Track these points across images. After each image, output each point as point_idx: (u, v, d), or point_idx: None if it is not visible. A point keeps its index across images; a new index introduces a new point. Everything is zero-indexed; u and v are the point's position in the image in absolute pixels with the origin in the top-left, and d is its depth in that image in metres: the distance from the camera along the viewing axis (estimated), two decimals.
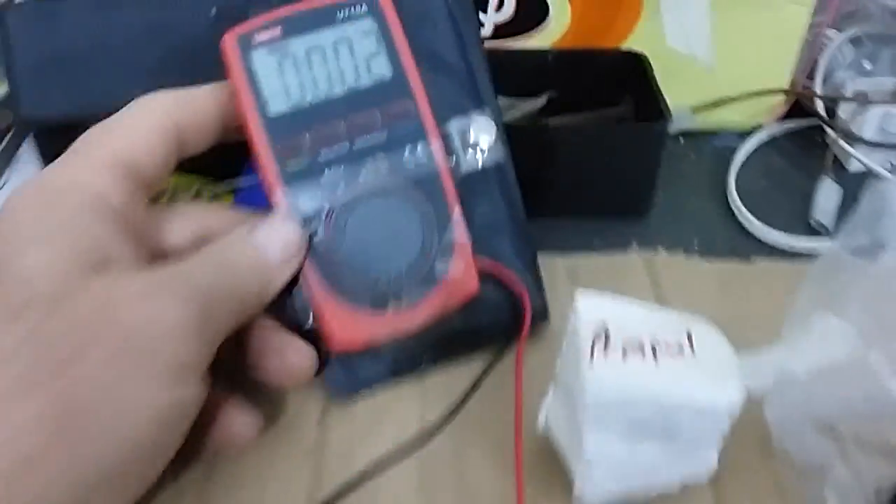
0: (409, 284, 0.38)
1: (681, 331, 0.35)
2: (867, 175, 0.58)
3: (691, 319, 0.37)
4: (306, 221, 0.37)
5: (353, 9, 0.38)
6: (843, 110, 0.60)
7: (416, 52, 0.39)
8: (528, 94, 0.58)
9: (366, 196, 0.37)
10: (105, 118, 0.35)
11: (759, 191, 0.58)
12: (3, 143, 0.57)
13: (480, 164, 0.41)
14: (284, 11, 0.38)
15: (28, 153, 0.57)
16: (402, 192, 0.38)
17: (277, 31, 0.37)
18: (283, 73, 0.37)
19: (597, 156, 0.52)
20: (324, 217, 0.37)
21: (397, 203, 0.38)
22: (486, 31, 0.60)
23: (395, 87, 0.38)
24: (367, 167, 0.38)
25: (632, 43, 0.60)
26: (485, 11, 0.59)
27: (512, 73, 0.52)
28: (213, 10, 0.40)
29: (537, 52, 0.59)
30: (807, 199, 0.57)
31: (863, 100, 0.59)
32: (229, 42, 0.37)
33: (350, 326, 0.38)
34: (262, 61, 0.37)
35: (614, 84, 0.59)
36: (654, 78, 0.54)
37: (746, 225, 0.55)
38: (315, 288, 0.37)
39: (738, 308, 0.47)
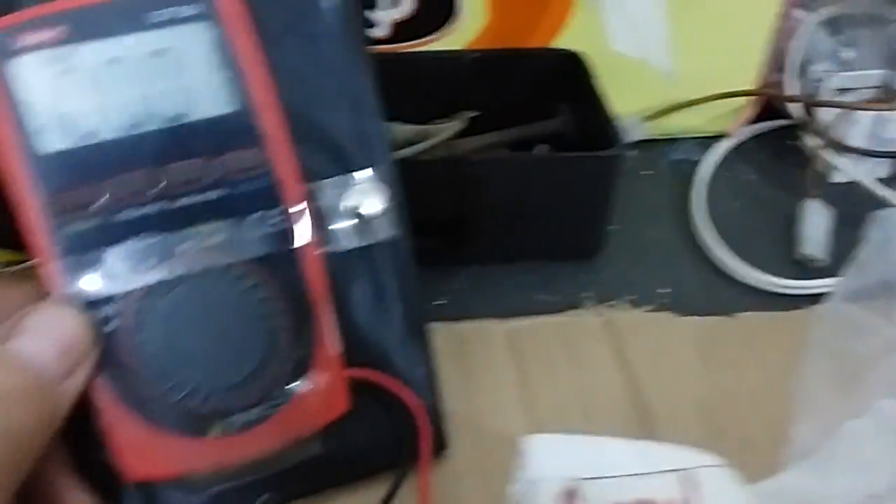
0: (241, 402, 0.30)
1: (674, 484, 0.28)
2: (855, 187, 0.51)
3: (684, 457, 0.30)
4: (92, 306, 0.28)
5: (175, 8, 0.28)
6: (825, 111, 0.53)
7: (276, 75, 0.30)
8: (438, 107, 0.50)
9: (185, 278, 0.29)
10: None
11: (730, 214, 0.52)
12: None
13: (362, 240, 0.32)
14: (71, 2, 0.28)
15: None
16: (240, 275, 0.29)
17: (58, 31, 0.27)
18: (63, 93, 0.28)
19: (534, 192, 0.44)
20: (119, 301, 0.28)
21: (231, 290, 0.29)
22: (381, 31, 0.51)
23: (237, 126, 0.29)
24: (191, 237, 0.29)
25: (561, 44, 0.51)
26: (373, 7, 0.50)
27: (417, 83, 0.47)
28: None
29: (450, 56, 0.51)
30: (788, 220, 0.51)
31: (851, 106, 0.52)
32: None
33: (151, 451, 0.30)
34: (31, 74, 0.27)
35: (546, 92, 0.51)
36: (596, 83, 0.47)
37: (720, 262, 0.49)
38: (102, 398, 0.29)
39: (723, 382, 0.41)
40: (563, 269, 0.47)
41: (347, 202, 0.32)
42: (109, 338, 0.28)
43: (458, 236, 0.37)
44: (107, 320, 0.28)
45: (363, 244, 0.33)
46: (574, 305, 0.45)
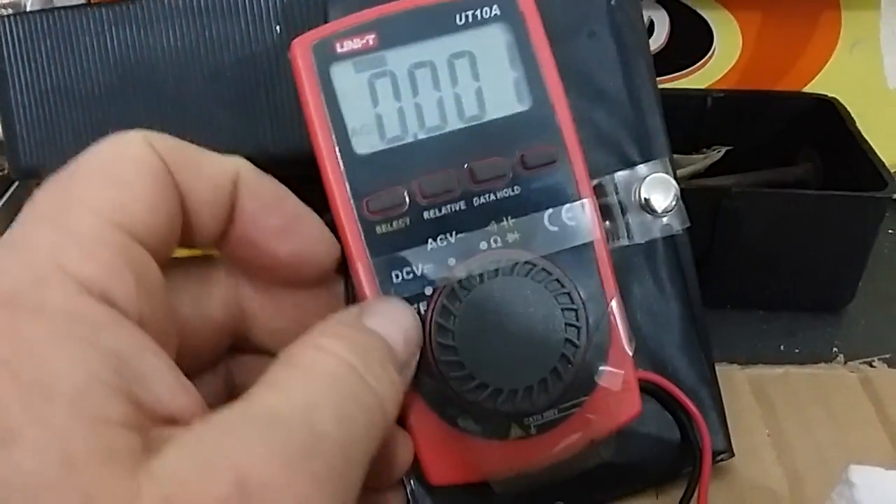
0: (541, 401, 0.28)
1: None
2: None
3: None
4: None
5: (479, 10, 0.29)
6: None
7: (564, 75, 0.29)
8: (676, 144, 0.47)
9: (486, 277, 0.28)
10: None
11: None
12: (4, 197, 0.48)
13: (650, 235, 0.32)
14: (381, 11, 0.29)
15: None
16: (538, 271, 0.28)
17: (371, 38, 0.28)
18: (377, 97, 0.29)
19: (791, 232, 0.43)
20: (424, 305, 0.28)
21: (530, 288, 0.28)
22: None
23: (535, 123, 0.29)
24: (490, 235, 0.29)
25: (818, 86, 0.50)
26: None
27: None
28: (278, 28, 0.35)
29: (692, 95, 0.50)
30: None
31: None
32: (300, 51, 0.28)
33: (453, 455, 0.30)
34: (347, 80, 0.28)
35: (792, 137, 0.49)
36: (856, 130, 0.45)
37: None
38: (407, 400, 0.28)
39: None
40: (807, 320, 0.45)
41: (637, 196, 0.31)
42: None
43: (703, 274, 0.36)
44: None
45: (650, 239, 0.32)
46: (821, 359, 0.43)
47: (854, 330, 0.45)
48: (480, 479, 0.30)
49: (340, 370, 0.23)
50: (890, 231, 0.52)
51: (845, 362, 0.42)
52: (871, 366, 0.42)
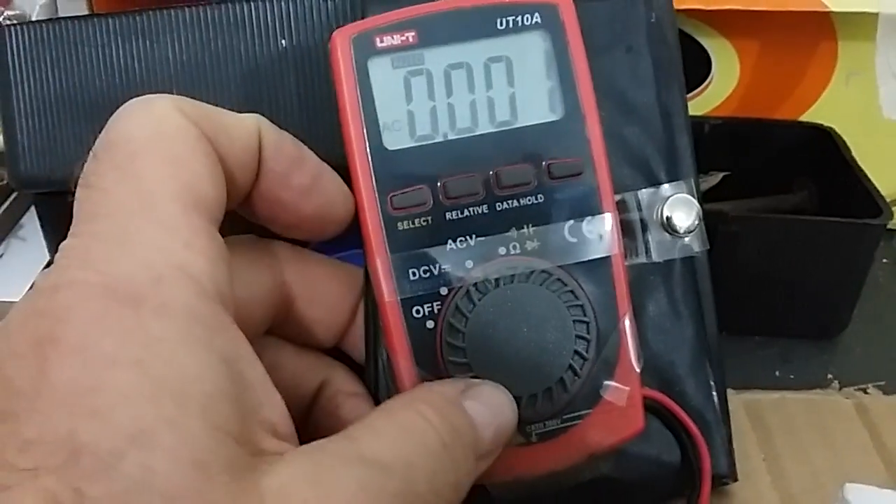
0: (545, 410, 0.29)
1: None
2: None
3: None
4: (411, 306, 0.29)
5: (521, 17, 0.29)
6: None
7: (598, 88, 0.30)
8: None
9: (502, 282, 0.28)
10: None
11: None
12: (2, 208, 0.49)
13: (669, 254, 0.32)
14: (423, 9, 0.29)
15: (33, 219, 0.49)
16: (555, 281, 0.29)
17: (411, 35, 0.29)
18: (411, 95, 0.29)
19: (786, 257, 0.42)
20: (439, 305, 0.28)
21: (545, 296, 0.29)
22: None
23: (565, 134, 0.29)
24: (510, 241, 0.29)
25: (815, 116, 0.50)
26: None
27: None
28: (283, 42, 0.35)
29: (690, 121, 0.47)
30: None
31: None
32: (340, 42, 0.28)
33: None
34: (384, 75, 0.29)
35: (787, 166, 0.49)
36: (851, 159, 0.45)
37: None
38: None
39: None
40: (801, 346, 0.45)
41: (659, 215, 0.31)
42: (426, 337, 0.28)
43: None
44: (424, 319, 0.28)
45: (669, 258, 0.32)
46: (816, 385, 0.43)
47: (849, 357, 0.45)
48: (478, 482, 0.29)
49: (435, 444, 0.23)
50: (885, 260, 0.52)
51: (840, 389, 0.42)
52: (866, 392, 0.42)
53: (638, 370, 0.30)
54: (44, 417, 0.19)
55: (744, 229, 0.41)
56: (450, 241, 0.29)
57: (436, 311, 0.28)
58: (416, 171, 0.28)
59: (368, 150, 0.28)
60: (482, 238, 0.29)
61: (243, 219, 0.28)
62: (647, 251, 0.32)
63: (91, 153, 0.24)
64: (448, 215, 0.29)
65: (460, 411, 0.25)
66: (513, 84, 0.29)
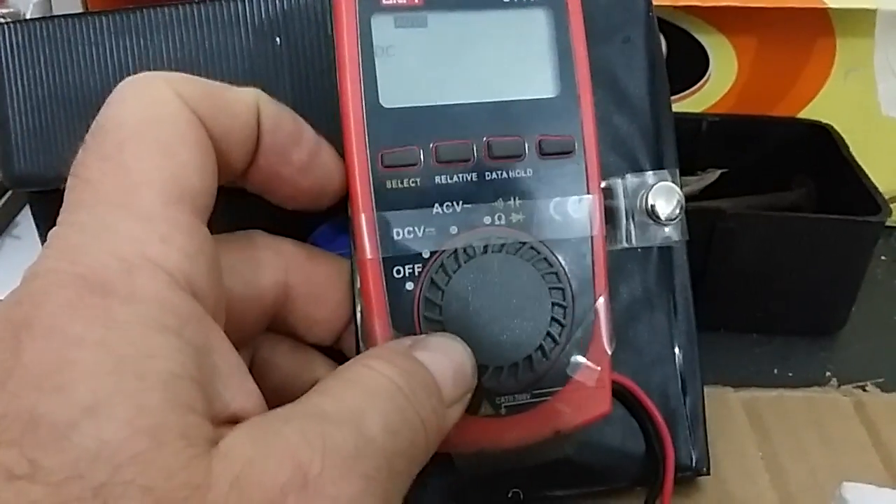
0: (514, 384, 0.29)
1: None
2: None
3: None
4: (393, 263, 0.28)
5: None
6: None
7: (593, 74, 0.30)
8: None
9: (484, 250, 0.28)
10: None
11: None
12: None
13: (651, 241, 0.32)
14: None
15: (27, 218, 0.50)
16: (536, 256, 0.29)
17: None
18: (412, 54, 0.29)
19: (785, 255, 0.43)
20: (420, 266, 0.28)
21: (525, 270, 0.29)
22: None
23: (559, 112, 0.29)
24: (496, 211, 0.29)
25: (813, 113, 0.50)
26: None
27: None
28: (278, 40, 0.35)
29: (688, 118, 0.50)
30: None
31: None
32: None
33: None
34: (387, 32, 0.28)
35: (785, 163, 0.50)
36: (850, 156, 0.45)
37: None
38: None
39: None
40: (800, 344, 0.45)
41: (643, 202, 0.32)
42: (405, 298, 0.28)
43: (696, 296, 0.36)
44: (404, 280, 0.28)
45: (648, 245, 0.33)
46: (814, 383, 0.43)
47: (847, 354, 0.45)
48: (444, 450, 0.29)
49: (388, 387, 0.24)
50: (883, 257, 0.52)
51: (838, 386, 0.42)
52: (865, 390, 0.42)
53: (609, 352, 0.30)
54: (11, 396, 0.19)
55: (741, 226, 0.42)
56: (436, 206, 0.28)
57: (416, 273, 0.28)
58: (409, 131, 0.28)
59: (364, 105, 0.28)
60: (469, 205, 0.29)
61: (246, 204, 0.28)
62: (628, 237, 0.32)
63: (84, 139, 0.24)
64: (437, 178, 0.29)
65: (411, 359, 0.25)
66: (513, 57, 0.29)
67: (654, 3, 0.35)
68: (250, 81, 0.35)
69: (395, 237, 0.28)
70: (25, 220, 0.51)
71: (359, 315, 0.30)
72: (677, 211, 0.32)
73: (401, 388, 0.24)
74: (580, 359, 0.30)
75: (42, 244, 0.44)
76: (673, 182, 0.32)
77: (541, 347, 0.29)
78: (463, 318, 0.28)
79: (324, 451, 0.21)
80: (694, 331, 0.35)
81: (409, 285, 0.28)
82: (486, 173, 0.29)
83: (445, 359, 0.26)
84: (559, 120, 0.29)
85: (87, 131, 0.24)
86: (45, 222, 0.42)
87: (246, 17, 0.36)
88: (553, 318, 0.29)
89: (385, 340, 0.28)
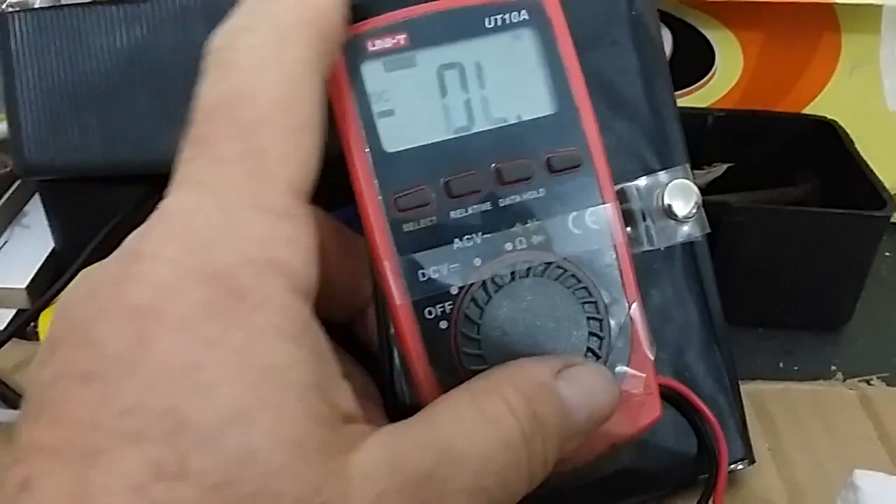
0: None
1: None
2: None
3: None
4: (423, 307, 0.28)
5: (508, 14, 0.29)
6: None
7: (586, 82, 0.30)
8: None
9: (511, 277, 0.28)
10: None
11: None
12: (6, 195, 0.46)
13: (673, 240, 0.32)
14: (412, 12, 0.28)
15: (36, 207, 0.49)
16: (562, 274, 0.29)
17: (402, 38, 0.28)
18: (407, 96, 0.28)
19: (789, 249, 0.43)
20: (450, 304, 0.28)
21: (554, 289, 0.28)
22: None
23: (560, 127, 0.29)
24: (516, 237, 0.29)
25: (818, 108, 0.50)
26: None
27: None
28: None
29: (693, 113, 0.50)
30: None
31: None
32: None
33: None
34: (378, 78, 0.28)
35: (790, 158, 0.50)
36: (855, 152, 0.46)
37: None
38: (431, 396, 0.28)
39: None
40: (805, 338, 0.46)
41: (659, 202, 0.31)
42: (440, 337, 0.28)
43: None
44: (437, 320, 0.28)
45: (671, 244, 0.32)
46: (819, 377, 0.43)
47: (852, 349, 0.45)
48: None
49: (515, 437, 0.24)
50: (887, 254, 0.52)
51: (844, 380, 0.43)
52: (870, 384, 0.42)
53: (652, 357, 0.30)
54: (143, 387, 0.19)
55: (747, 221, 0.42)
56: (456, 240, 0.28)
57: (447, 310, 0.28)
58: (417, 172, 0.28)
59: (369, 153, 0.28)
60: (488, 235, 0.28)
61: None
62: (650, 239, 0.32)
63: (203, 94, 0.23)
64: (452, 214, 0.28)
65: (551, 396, 0.25)
66: (506, 81, 0.29)
67: None
68: None
69: (421, 279, 0.28)
70: (35, 209, 0.50)
71: (397, 359, 0.30)
72: (694, 208, 0.31)
73: (526, 437, 0.24)
74: (624, 368, 0.29)
75: (52, 233, 0.45)
76: (685, 178, 0.32)
77: None
78: (502, 347, 0.28)
79: (443, 492, 0.22)
80: (725, 322, 0.35)
81: (443, 324, 0.28)
82: (500, 200, 0.29)
83: (586, 397, 0.26)
84: (562, 135, 0.29)
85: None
86: (55, 211, 0.42)
87: None
88: (591, 333, 0.28)
89: (427, 381, 0.28)
